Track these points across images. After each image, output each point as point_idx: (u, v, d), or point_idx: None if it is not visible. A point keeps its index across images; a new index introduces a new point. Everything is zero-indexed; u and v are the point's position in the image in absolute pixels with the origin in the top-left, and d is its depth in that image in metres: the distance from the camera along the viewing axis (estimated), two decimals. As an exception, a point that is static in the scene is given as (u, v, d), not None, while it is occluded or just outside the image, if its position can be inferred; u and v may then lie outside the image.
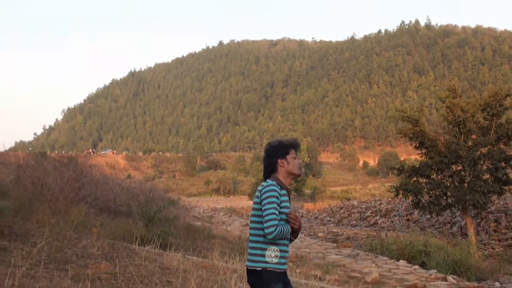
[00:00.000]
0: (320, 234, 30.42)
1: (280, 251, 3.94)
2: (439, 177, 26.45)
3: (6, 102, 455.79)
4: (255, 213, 3.99)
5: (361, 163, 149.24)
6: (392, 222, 35.92)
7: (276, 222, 3.79)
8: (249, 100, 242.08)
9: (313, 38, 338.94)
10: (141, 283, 6.83)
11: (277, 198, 3.88)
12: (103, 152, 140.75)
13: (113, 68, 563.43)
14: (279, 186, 3.97)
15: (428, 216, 31.97)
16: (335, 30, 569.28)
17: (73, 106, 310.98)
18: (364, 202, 48.75)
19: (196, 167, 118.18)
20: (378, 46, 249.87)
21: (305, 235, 27.64)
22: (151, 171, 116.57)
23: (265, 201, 3.85)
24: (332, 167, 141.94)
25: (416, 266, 14.32)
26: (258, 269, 3.91)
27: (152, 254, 9.40)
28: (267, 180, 4.05)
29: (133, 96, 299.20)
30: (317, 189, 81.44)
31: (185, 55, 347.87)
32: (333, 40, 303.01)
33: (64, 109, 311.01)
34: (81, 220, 11.11)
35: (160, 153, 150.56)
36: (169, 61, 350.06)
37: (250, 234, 4.06)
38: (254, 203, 4.01)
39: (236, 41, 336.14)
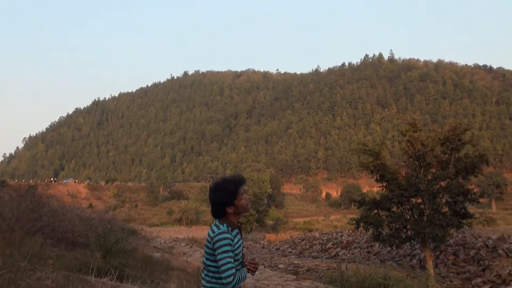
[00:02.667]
0: (280, 266, 30.28)
1: None
2: (399, 210, 26.58)
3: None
4: (208, 257, 3.94)
5: (323, 194, 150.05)
6: (353, 254, 35.98)
7: (233, 270, 3.75)
8: (212, 131, 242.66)
9: (277, 70, 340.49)
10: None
11: (230, 244, 3.83)
12: (65, 181, 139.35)
13: (76, 97, 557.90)
14: (229, 228, 3.92)
15: (389, 248, 32.09)
16: (299, 62, 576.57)
17: (34, 135, 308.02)
18: (325, 233, 48.75)
19: (159, 197, 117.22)
20: (342, 79, 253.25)
21: (265, 267, 27.48)
22: (113, 201, 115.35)
23: (219, 250, 3.79)
24: (295, 198, 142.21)
25: (375, 299, 14.35)
26: None
27: (108, 286, 9.24)
28: (217, 222, 3.97)
29: (97, 125, 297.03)
30: (280, 220, 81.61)
31: (149, 85, 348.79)
32: (298, 72, 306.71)
33: (25, 137, 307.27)
34: (36, 251, 10.82)
35: (123, 182, 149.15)
36: (133, 90, 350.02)
37: (204, 274, 4.00)
38: (206, 247, 3.95)
39: (200, 72, 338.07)
